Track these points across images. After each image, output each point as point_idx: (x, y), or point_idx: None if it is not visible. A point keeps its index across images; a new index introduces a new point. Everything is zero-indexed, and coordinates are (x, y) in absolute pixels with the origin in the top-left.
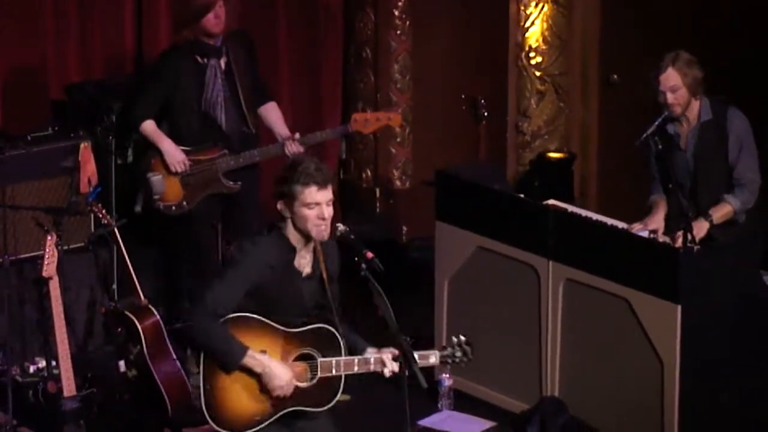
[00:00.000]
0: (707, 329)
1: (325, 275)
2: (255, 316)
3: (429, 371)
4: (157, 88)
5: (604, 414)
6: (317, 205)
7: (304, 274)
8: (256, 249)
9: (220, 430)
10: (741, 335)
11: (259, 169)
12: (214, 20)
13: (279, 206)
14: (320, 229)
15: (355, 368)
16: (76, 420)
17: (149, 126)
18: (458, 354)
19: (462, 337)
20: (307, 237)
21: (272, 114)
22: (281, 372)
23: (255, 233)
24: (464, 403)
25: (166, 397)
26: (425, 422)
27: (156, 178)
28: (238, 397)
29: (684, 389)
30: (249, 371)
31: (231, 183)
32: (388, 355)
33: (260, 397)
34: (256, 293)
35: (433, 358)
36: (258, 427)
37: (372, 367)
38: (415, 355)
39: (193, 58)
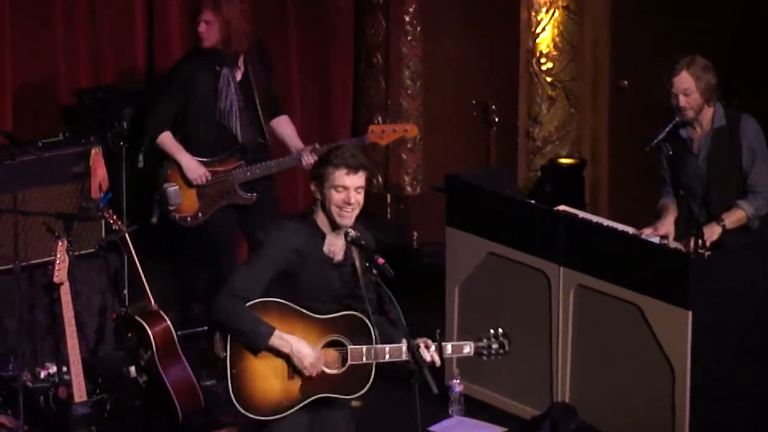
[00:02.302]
0: (718, 335)
1: (357, 264)
2: (283, 301)
3: (440, 376)
4: (173, 96)
5: (615, 420)
6: (345, 189)
7: (335, 261)
8: (281, 234)
9: (247, 414)
10: (752, 341)
11: (274, 180)
12: (199, 33)
13: (312, 187)
14: (343, 214)
15: (387, 356)
16: (87, 425)
17: (166, 138)
18: (494, 346)
19: (500, 330)
20: (334, 222)
21: (285, 127)
22: (309, 351)
23: (284, 218)
24: (475, 408)
25: (176, 402)
26: (436, 428)
27: (172, 189)
28: (265, 382)
29: (695, 395)
30: (276, 355)
31: (247, 194)
32: (420, 341)
33: (288, 383)
34: (286, 279)
35: (467, 348)
36: (285, 413)
37: (404, 356)
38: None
39: (209, 66)
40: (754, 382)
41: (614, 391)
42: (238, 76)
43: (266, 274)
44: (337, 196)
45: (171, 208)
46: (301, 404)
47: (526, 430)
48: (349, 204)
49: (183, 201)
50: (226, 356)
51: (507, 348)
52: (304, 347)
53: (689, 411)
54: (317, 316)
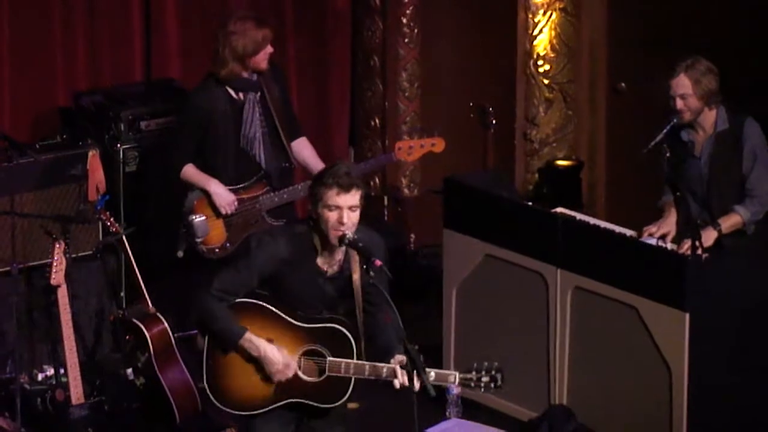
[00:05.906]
0: (715, 337)
1: (356, 276)
2: (268, 305)
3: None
4: (192, 127)
5: (612, 422)
6: (338, 208)
7: (328, 274)
8: (270, 242)
9: (218, 405)
10: (749, 343)
11: (293, 204)
12: (264, 56)
13: (309, 207)
14: (336, 234)
15: (366, 374)
16: (84, 428)
17: (190, 170)
18: (484, 379)
19: (495, 363)
20: (326, 241)
21: (305, 150)
22: (277, 357)
23: (281, 227)
24: (472, 411)
25: (174, 405)
26: (433, 430)
27: (199, 221)
28: (241, 377)
29: (692, 397)
30: (251, 355)
31: (275, 221)
32: (397, 366)
33: (263, 382)
34: (276, 285)
35: (452, 377)
36: (256, 412)
37: (384, 376)
38: (424, 367)
39: (228, 93)
40: (750, 383)
41: (612, 393)
42: (258, 101)
43: (250, 280)
44: (330, 216)
45: (198, 240)
46: (273, 405)
47: None
48: (342, 224)
49: (210, 232)
50: (203, 348)
51: (500, 383)
52: (273, 353)
53: (686, 412)
54: (300, 324)
